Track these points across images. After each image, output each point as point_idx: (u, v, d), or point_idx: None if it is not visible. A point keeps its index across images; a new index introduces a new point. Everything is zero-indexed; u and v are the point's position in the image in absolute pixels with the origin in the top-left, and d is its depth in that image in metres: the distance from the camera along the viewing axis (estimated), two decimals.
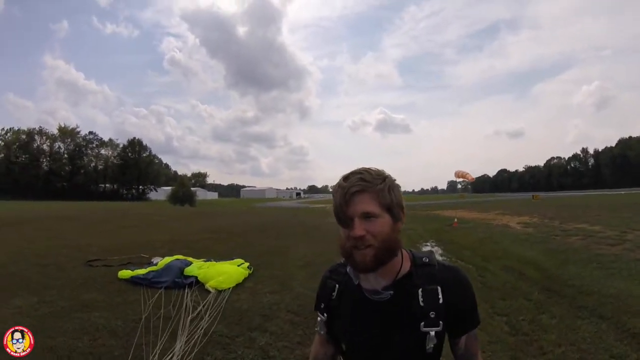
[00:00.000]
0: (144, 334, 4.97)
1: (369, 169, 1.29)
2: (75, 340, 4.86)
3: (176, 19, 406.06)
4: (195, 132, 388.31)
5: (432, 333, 1.27)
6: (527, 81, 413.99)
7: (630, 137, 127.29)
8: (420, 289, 1.30)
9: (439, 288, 1.30)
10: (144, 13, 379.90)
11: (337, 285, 1.46)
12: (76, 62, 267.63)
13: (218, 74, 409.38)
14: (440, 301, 1.29)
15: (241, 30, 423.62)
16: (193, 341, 4.73)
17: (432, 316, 1.27)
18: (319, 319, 1.53)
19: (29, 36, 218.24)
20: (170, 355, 4.33)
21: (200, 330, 5.07)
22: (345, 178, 1.27)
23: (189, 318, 5.49)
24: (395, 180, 1.32)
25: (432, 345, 1.28)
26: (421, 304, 1.28)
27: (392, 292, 1.32)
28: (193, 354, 4.42)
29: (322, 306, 1.50)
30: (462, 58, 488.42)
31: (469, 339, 1.38)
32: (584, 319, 5.41)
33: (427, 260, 1.37)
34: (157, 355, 4.33)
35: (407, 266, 1.35)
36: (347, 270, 1.43)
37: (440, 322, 1.28)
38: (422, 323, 1.27)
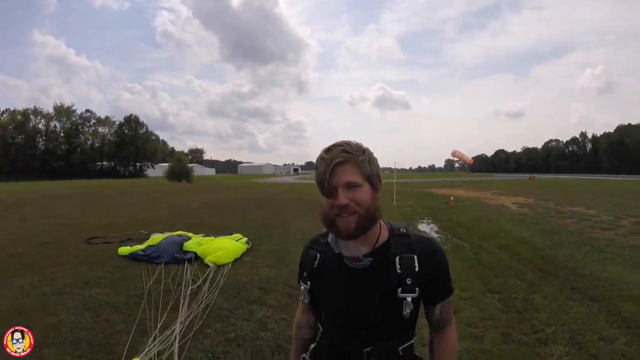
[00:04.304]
0: (146, 308, 5.06)
1: (349, 141, 1.35)
2: (78, 316, 4.93)
3: None
4: (191, 108, 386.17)
5: (409, 299, 1.34)
6: (529, 62, 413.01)
7: (629, 124, 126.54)
8: (398, 257, 1.37)
9: (415, 257, 1.36)
10: None
11: (318, 255, 1.52)
12: (66, 38, 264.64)
13: (212, 47, 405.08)
14: (417, 269, 1.35)
15: (236, 1, 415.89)
16: (193, 314, 4.82)
17: (409, 282, 1.34)
18: (302, 287, 1.59)
19: (15, 12, 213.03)
20: (172, 329, 4.41)
21: (201, 303, 5.16)
22: (328, 150, 1.33)
23: (189, 292, 5.58)
24: (373, 153, 1.38)
25: (409, 311, 1.35)
26: (398, 270, 1.35)
27: (371, 259, 1.39)
28: (194, 326, 4.52)
29: (304, 275, 1.56)
30: (464, 36, 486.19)
31: (444, 307, 1.45)
32: (576, 301, 5.48)
33: (405, 230, 1.44)
34: (159, 329, 4.42)
35: (385, 235, 1.42)
36: (329, 239, 1.49)
37: (417, 288, 1.34)
38: (400, 289, 1.34)
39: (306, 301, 1.60)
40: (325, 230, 1.50)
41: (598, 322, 4.78)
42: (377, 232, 1.40)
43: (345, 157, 1.29)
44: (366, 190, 1.31)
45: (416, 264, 1.36)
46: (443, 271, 1.43)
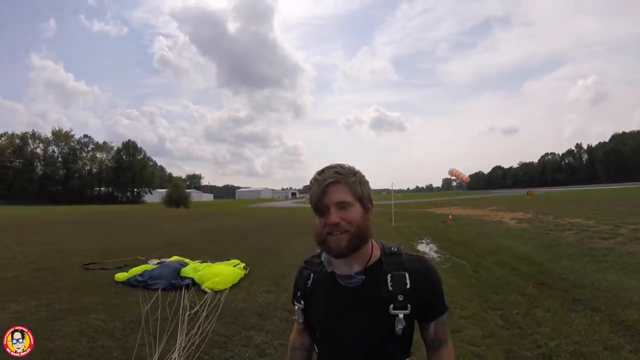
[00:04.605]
0: (143, 334, 4.99)
1: (342, 164, 1.42)
2: (75, 342, 4.87)
3: (165, 18, 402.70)
4: (188, 133, 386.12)
5: (401, 316, 1.34)
6: (520, 78, 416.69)
7: (623, 132, 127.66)
8: (389, 275, 1.38)
9: (407, 274, 1.38)
10: (132, 12, 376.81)
11: (311, 274, 1.54)
12: (65, 63, 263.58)
13: (209, 72, 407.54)
14: (408, 286, 1.36)
15: (232, 27, 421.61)
16: (191, 341, 4.75)
17: (400, 299, 1.34)
18: (296, 307, 1.60)
19: (14, 36, 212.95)
20: (170, 356, 4.35)
21: (199, 330, 5.09)
22: (321, 172, 1.39)
23: (187, 318, 5.51)
24: (364, 176, 1.44)
25: (401, 328, 1.34)
26: (390, 288, 1.36)
27: (363, 277, 1.41)
28: (191, 353, 4.45)
29: (298, 294, 1.57)
30: (455, 55, 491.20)
31: (438, 325, 1.45)
32: (578, 312, 5.47)
33: (396, 249, 1.47)
34: (157, 356, 4.35)
35: (377, 254, 1.45)
36: (322, 259, 1.51)
37: (409, 305, 1.34)
38: (391, 306, 1.34)
39: (300, 320, 1.60)
40: (319, 250, 1.52)
41: (601, 332, 4.77)
42: (369, 251, 1.43)
43: (337, 177, 1.35)
44: (357, 209, 1.36)
45: (407, 281, 1.37)
46: (435, 289, 1.43)
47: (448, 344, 1.49)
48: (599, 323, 5.04)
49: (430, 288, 1.41)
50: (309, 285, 1.53)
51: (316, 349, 1.57)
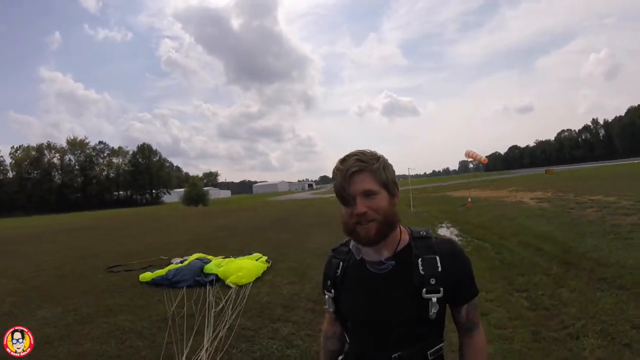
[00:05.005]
0: (170, 332, 5.07)
1: (363, 150, 1.38)
2: (103, 344, 4.97)
3: (169, 19, 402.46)
4: (202, 132, 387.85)
5: (434, 299, 1.34)
6: (531, 55, 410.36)
7: (639, 105, 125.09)
8: (420, 259, 1.38)
9: (437, 257, 1.38)
10: (135, 17, 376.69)
11: (340, 263, 1.54)
12: (73, 73, 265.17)
13: (217, 71, 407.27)
14: (439, 269, 1.36)
15: (236, 23, 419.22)
16: (218, 337, 4.81)
17: (433, 283, 1.34)
18: (326, 297, 1.60)
19: (21, 51, 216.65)
20: (199, 352, 4.41)
21: (225, 325, 5.16)
22: (343, 161, 1.36)
23: (213, 314, 5.58)
24: (387, 160, 1.41)
25: (435, 312, 1.34)
26: (421, 272, 1.36)
27: (393, 262, 1.40)
28: (220, 348, 4.51)
29: (328, 283, 1.58)
30: (464, 36, 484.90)
31: (470, 308, 1.46)
32: (604, 291, 5.39)
33: (425, 233, 1.46)
34: (185, 353, 4.42)
35: (406, 239, 1.44)
36: (350, 247, 1.52)
37: (441, 288, 1.34)
38: (424, 290, 1.34)
39: (331, 310, 1.60)
40: (346, 239, 1.53)
41: (628, 310, 4.69)
42: (397, 236, 1.42)
43: (361, 166, 1.32)
44: (383, 197, 1.34)
45: (439, 265, 1.36)
46: (466, 271, 1.44)
47: (479, 326, 1.50)
48: (625, 301, 4.95)
49: (461, 270, 1.42)
50: (338, 273, 1.53)
51: (347, 339, 1.57)
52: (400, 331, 1.38)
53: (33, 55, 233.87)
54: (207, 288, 6.91)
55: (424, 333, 1.39)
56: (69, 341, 5.13)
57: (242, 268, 7.73)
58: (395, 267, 1.39)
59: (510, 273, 6.75)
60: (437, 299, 1.34)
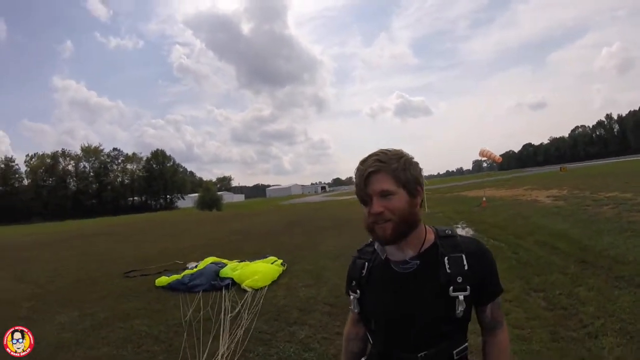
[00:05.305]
0: (187, 337, 5.10)
1: (386, 150, 1.41)
2: (120, 349, 5.03)
3: (179, 26, 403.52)
4: (215, 137, 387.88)
5: (461, 297, 1.35)
6: (544, 50, 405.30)
7: None
8: (446, 257, 1.40)
9: (464, 256, 1.39)
10: (146, 25, 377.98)
11: (365, 263, 1.55)
12: (86, 81, 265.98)
13: (229, 75, 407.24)
14: (466, 267, 1.38)
15: (246, 28, 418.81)
16: (235, 340, 4.84)
17: (459, 281, 1.36)
18: (351, 297, 1.60)
19: (34, 60, 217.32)
20: (216, 357, 4.44)
21: (241, 329, 5.18)
22: (363, 161, 1.39)
23: (229, 318, 5.61)
24: (413, 158, 1.42)
25: (462, 310, 1.36)
26: (448, 270, 1.38)
27: (418, 261, 1.42)
28: (237, 352, 4.53)
29: (353, 284, 1.58)
30: (475, 33, 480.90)
31: (494, 307, 1.47)
32: (622, 289, 5.34)
33: (450, 232, 1.49)
34: (203, 358, 4.45)
35: (431, 238, 1.46)
36: (375, 247, 1.54)
37: (468, 286, 1.36)
38: (451, 288, 1.36)
39: (356, 310, 1.60)
40: (371, 240, 1.55)
41: None
42: (422, 235, 1.45)
43: (379, 166, 1.35)
44: (401, 197, 1.35)
45: (465, 263, 1.39)
46: (491, 270, 1.46)
47: (503, 325, 1.51)
48: None
49: (487, 269, 1.43)
50: (363, 274, 1.54)
51: (370, 340, 1.57)
52: (426, 330, 1.39)
53: (46, 64, 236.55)
54: (223, 292, 6.95)
55: (450, 332, 1.40)
56: (86, 346, 5.21)
57: (257, 272, 7.76)
58: (420, 266, 1.41)
59: (527, 273, 6.70)
60: (464, 297, 1.36)
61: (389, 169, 1.34)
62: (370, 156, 1.39)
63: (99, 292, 8.26)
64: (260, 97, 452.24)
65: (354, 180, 1.42)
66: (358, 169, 1.38)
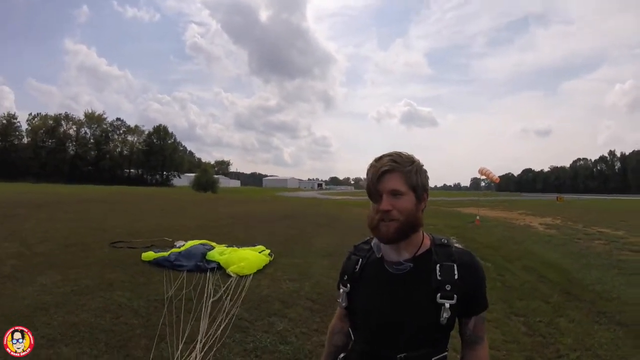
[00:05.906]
0: (167, 315, 5.11)
1: (400, 152, 1.45)
2: (98, 317, 5.02)
3: (197, 5, 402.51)
4: (219, 120, 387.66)
5: (447, 305, 1.37)
6: (557, 78, 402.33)
7: None
8: (439, 264, 1.42)
9: (455, 266, 1.42)
10: (164, 0, 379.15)
11: (360, 259, 1.57)
12: (98, 48, 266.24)
13: (241, 60, 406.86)
14: (456, 277, 1.40)
15: (264, 15, 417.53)
16: (215, 324, 4.85)
17: (448, 289, 1.38)
18: (341, 291, 1.62)
19: (48, 21, 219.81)
20: (194, 341, 4.45)
21: (222, 313, 5.19)
22: (378, 159, 1.43)
23: (210, 301, 5.63)
24: (423, 165, 1.47)
25: (446, 317, 1.37)
26: (438, 277, 1.40)
27: (411, 264, 1.45)
28: (216, 338, 4.54)
29: (345, 278, 1.60)
30: (492, 51, 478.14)
31: (478, 321, 1.48)
32: (602, 325, 5.36)
33: (446, 241, 1.52)
34: (180, 336, 4.46)
35: (427, 244, 1.49)
36: (372, 245, 1.57)
37: (455, 295, 1.38)
38: (439, 294, 1.38)
39: (344, 304, 1.61)
40: (368, 237, 1.61)
41: (624, 347, 4.68)
42: (419, 240, 1.49)
43: (393, 166, 1.39)
44: (409, 199, 1.40)
45: (456, 273, 1.41)
46: (480, 284, 1.48)
47: (484, 341, 1.52)
48: (622, 338, 4.92)
49: (476, 282, 1.46)
50: (357, 269, 1.56)
51: (352, 336, 1.58)
52: (409, 333, 1.40)
53: (59, 27, 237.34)
54: (208, 275, 6.97)
55: (431, 338, 1.41)
56: (65, 310, 5.19)
57: (244, 258, 7.77)
58: (413, 270, 1.44)
59: (511, 296, 6.72)
60: (450, 305, 1.37)
61: (402, 170, 1.39)
62: (385, 155, 1.43)
63: (85, 258, 8.26)
64: (269, 87, 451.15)
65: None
66: (372, 166, 1.43)
